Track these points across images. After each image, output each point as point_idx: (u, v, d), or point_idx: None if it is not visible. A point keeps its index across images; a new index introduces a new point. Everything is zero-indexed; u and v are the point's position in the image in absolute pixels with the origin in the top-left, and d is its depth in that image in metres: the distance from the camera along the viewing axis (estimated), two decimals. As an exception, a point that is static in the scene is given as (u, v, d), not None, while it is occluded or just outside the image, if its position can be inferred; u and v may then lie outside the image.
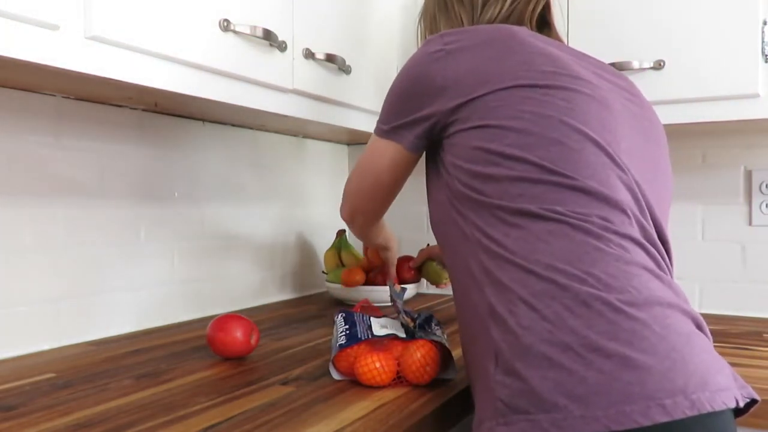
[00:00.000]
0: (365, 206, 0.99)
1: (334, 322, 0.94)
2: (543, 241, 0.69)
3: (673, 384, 0.61)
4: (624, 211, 0.72)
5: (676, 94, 1.20)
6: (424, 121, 0.82)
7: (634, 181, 0.75)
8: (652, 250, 0.73)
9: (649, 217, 0.76)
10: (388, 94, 0.87)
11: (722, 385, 0.64)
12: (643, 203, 0.76)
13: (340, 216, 1.09)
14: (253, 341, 0.97)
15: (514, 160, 0.72)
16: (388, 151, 0.88)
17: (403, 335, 0.87)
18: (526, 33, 0.81)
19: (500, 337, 0.68)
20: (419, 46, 1.02)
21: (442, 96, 0.79)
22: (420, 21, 1.05)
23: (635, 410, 0.59)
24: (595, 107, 0.76)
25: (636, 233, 0.72)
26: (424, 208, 1.77)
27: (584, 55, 0.86)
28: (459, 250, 0.78)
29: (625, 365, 0.61)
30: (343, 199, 1.03)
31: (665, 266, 0.75)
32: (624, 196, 0.73)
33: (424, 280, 1.73)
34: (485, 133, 0.75)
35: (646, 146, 0.81)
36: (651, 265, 0.71)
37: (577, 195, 0.71)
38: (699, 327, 0.70)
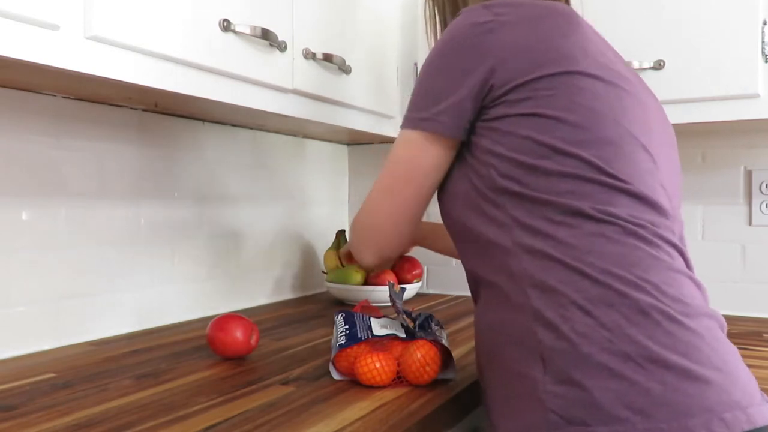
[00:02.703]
0: (401, 230, 0.81)
1: (334, 322, 0.94)
2: (595, 242, 0.66)
3: (730, 397, 0.60)
4: (667, 218, 0.71)
5: (676, 94, 1.20)
6: (471, 101, 0.73)
7: (666, 185, 0.74)
8: (687, 255, 0.72)
9: (677, 222, 0.75)
10: (426, 74, 0.76)
11: (762, 398, 0.64)
12: (675, 207, 0.75)
13: (362, 260, 0.86)
14: (253, 341, 0.97)
15: (566, 155, 0.69)
16: (431, 145, 0.76)
17: (403, 335, 0.87)
18: (577, 14, 0.75)
19: (551, 343, 0.64)
20: (429, 27, 0.94)
21: (490, 74, 0.72)
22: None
23: (697, 424, 0.58)
24: (640, 109, 0.74)
25: (676, 240, 0.71)
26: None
27: (611, 46, 0.82)
28: (488, 247, 0.73)
29: (686, 377, 0.60)
30: (363, 239, 0.84)
31: (694, 271, 0.74)
32: (665, 202, 0.72)
33: (424, 281, 1.73)
34: (537, 123, 0.70)
35: (670, 148, 0.80)
36: (689, 272, 0.70)
37: (629, 199, 0.69)
38: (727, 334, 0.70)
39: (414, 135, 0.76)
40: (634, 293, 0.64)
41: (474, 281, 0.79)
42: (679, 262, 0.70)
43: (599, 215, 0.67)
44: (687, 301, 0.65)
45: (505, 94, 0.71)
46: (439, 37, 0.92)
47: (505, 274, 0.71)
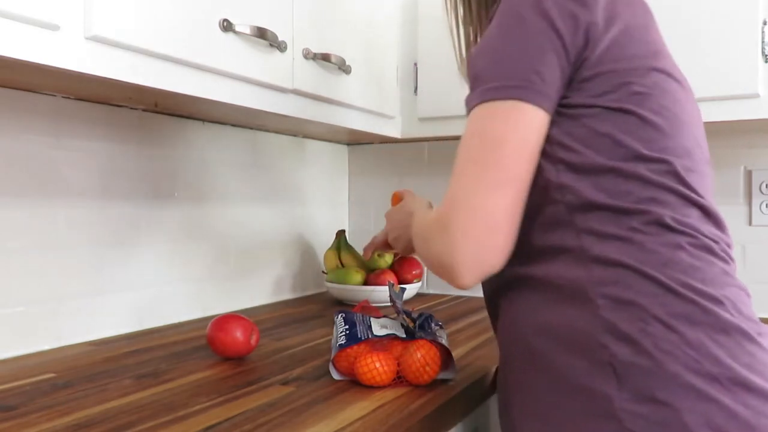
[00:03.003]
0: (514, 230, 0.65)
1: (334, 322, 0.94)
2: (674, 254, 0.63)
3: None
4: (726, 233, 0.68)
5: (676, 94, 1.20)
6: (560, 72, 0.64)
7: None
8: None
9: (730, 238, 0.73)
10: (506, 37, 0.66)
11: None
12: None
13: (456, 278, 0.65)
14: (253, 341, 0.97)
15: (650, 161, 0.64)
16: (532, 116, 0.64)
17: (403, 335, 0.87)
18: None
19: (629, 358, 0.60)
20: (450, 12, 0.88)
21: (580, 51, 0.64)
22: None
23: None
24: (698, 118, 0.72)
25: (733, 256, 0.69)
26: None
27: None
28: (544, 249, 0.67)
29: (767, 400, 0.59)
30: (459, 251, 0.64)
31: None
32: (723, 217, 0.70)
33: (424, 281, 1.73)
34: (622, 121, 0.64)
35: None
36: (747, 289, 0.68)
37: (700, 212, 0.66)
38: None
39: (517, 106, 0.64)
40: (716, 310, 0.61)
41: (512, 279, 0.72)
42: (739, 279, 0.68)
43: (677, 226, 0.64)
44: (755, 319, 0.64)
45: (594, 77, 0.65)
46: (461, 23, 0.87)
47: (566, 279, 0.65)
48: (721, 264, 0.65)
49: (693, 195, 0.65)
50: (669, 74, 0.68)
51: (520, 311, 0.71)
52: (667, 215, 0.63)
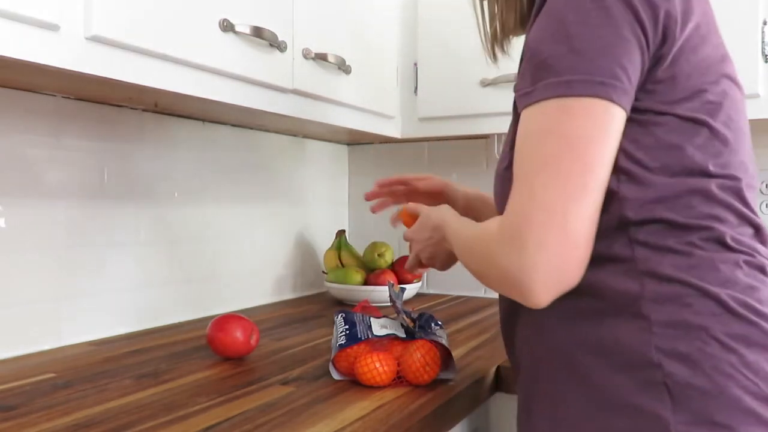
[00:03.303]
0: (591, 241, 0.58)
1: (334, 322, 0.94)
2: (732, 273, 0.60)
3: None
4: None
5: (676, 94, 1.20)
6: (640, 69, 0.59)
7: None
8: None
9: None
10: (585, 24, 0.58)
11: None
12: None
13: (530, 296, 0.58)
14: (253, 341, 0.97)
15: (716, 177, 0.61)
16: (617, 118, 0.58)
17: (403, 335, 0.87)
18: None
19: (687, 379, 0.57)
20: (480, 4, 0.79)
21: (657, 48, 0.59)
22: None
23: None
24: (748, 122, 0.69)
25: None
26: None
27: None
28: (596, 261, 0.61)
29: None
30: (534, 266, 0.57)
31: None
32: None
33: (424, 281, 1.73)
34: (694, 132, 0.60)
35: None
36: None
37: (754, 231, 0.64)
38: None
39: (601, 105, 0.57)
40: None
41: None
42: None
43: (735, 245, 0.61)
44: None
45: (668, 80, 0.60)
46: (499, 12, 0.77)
47: (614, 291, 0.61)
48: None
49: (749, 213, 0.63)
50: (735, 81, 0.64)
51: (555, 319, 0.65)
52: (728, 233, 0.61)
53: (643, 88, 0.60)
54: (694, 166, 0.60)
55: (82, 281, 1.11)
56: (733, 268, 0.60)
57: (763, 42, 1.14)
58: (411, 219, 0.95)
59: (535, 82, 0.60)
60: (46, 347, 1.06)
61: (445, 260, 0.89)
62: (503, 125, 1.40)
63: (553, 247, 0.56)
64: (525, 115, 0.61)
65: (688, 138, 0.60)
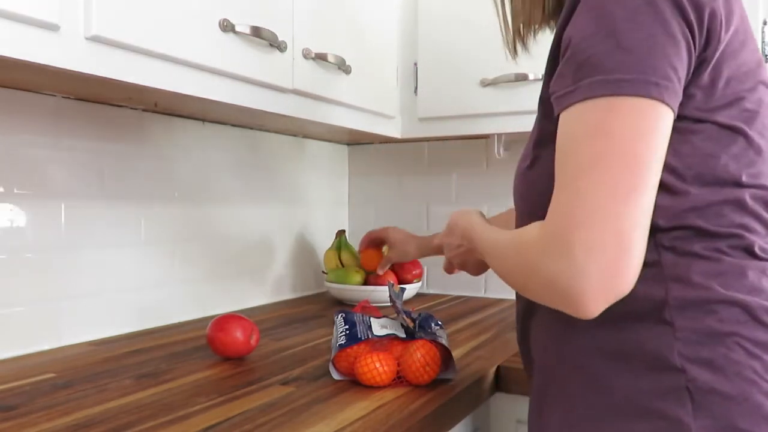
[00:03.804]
0: (643, 245, 0.55)
1: (334, 322, 0.94)
2: (758, 282, 0.60)
3: None
4: None
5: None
6: (687, 71, 0.57)
7: None
8: None
9: None
10: (633, 21, 0.55)
11: None
12: None
13: (581, 307, 0.55)
14: (253, 341, 0.97)
15: (748, 187, 0.60)
16: (668, 120, 0.55)
17: (403, 335, 0.87)
18: None
19: (711, 385, 0.56)
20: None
21: (702, 50, 0.57)
22: None
23: None
24: None
25: None
26: (423, 208, 1.77)
27: None
28: None
29: None
30: (586, 273, 0.53)
31: None
32: None
33: (424, 281, 1.73)
34: (731, 141, 0.59)
35: None
36: None
37: None
38: None
39: (653, 106, 0.54)
40: None
41: None
42: None
43: (762, 254, 0.61)
44: None
45: (709, 86, 0.58)
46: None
47: (637, 295, 0.58)
48: None
49: None
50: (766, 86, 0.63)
51: (573, 322, 0.62)
52: (756, 242, 0.60)
53: (684, 93, 0.57)
54: (728, 176, 0.59)
55: (82, 281, 1.11)
56: (759, 275, 0.60)
57: (763, 42, 1.14)
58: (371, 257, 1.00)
59: (578, 81, 0.56)
60: (46, 347, 1.06)
61: (477, 266, 0.88)
62: (503, 125, 1.42)
63: (605, 251, 0.53)
64: (567, 115, 0.58)
65: (724, 147, 0.59)
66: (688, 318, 0.58)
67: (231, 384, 0.85)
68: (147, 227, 1.24)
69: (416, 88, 1.49)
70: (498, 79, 1.34)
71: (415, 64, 1.49)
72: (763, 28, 1.14)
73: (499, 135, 1.59)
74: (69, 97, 1.09)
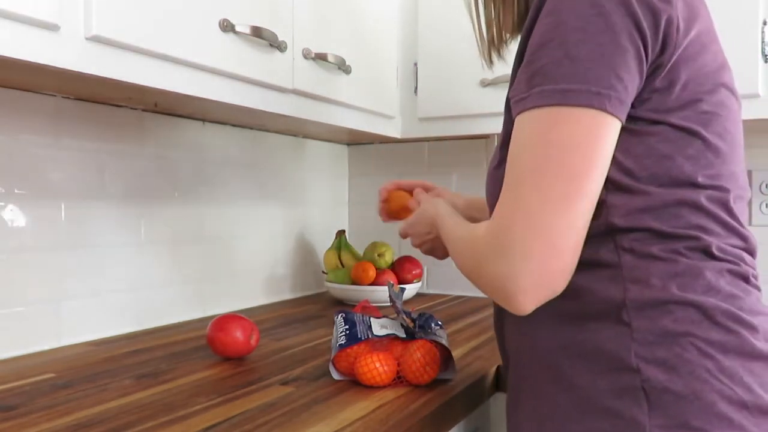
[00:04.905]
0: (580, 247, 0.58)
1: (334, 322, 0.94)
2: (715, 282, 0.61)
3: None
4: (755, 260, 0.66)
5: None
6: (638, 79, 0.58)
7: None
8: None
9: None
10: (583, 31, 0.56)
11: None
12: None
13: (517, 303, 0.59)
14: (253, 341, 0.97)
15: (705, 188, 0.61)
16: (611, 128, 0.57)
17: (403, 335, 0.87)
18: None
19: (664, 384, 0.58)
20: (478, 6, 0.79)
21: (656, 56, 0.58)
22: None
23: None
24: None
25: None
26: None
27: None
28: (582, 266, 0.60)
29: None
30: (519, 273, 0.57)
31: None
32: (756, 244, 0.67)
33: (424, 281, 1.73)
34: (686, 143, 0.60)
35: None
36: None
37: (741, 241, 0.64)
38: None
39: (595, 115, 0.56)
40: (750, 339, 0.60)
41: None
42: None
43: (720, 254, 0.61)
44: None
45: (665, 89, 0.59)
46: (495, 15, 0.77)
47: (597, 296, 0.62)
48: (755, 292, 0.64)
49: (736, 225, 0.64)
50: (732, 91, 0.64)
51: (538, 320, 0.66)
52: (714, 243, 0.61)
53: (639, 97, 0.59)
54: (683, 177, 0.61)
55: (82, 281, 1.11)
56: (716, 276, 0.61)
57: (763, 42, 1.14)
58: (398, 204, 0.98)
59: (531, 88, 0.59)
60: (46, 347, 1.06)
61: (445, 252, 0.91)
62: (503, 125, 1.41)
63: (536, 256, 0.56)
64: (518, 121, 0.61)
65: (680, 148, 0.60)
66: (645, 319, 0.60)
67: (231, 384, 0.85)
68: (147, 227, 1.24)
69: (416, 88, 1.49)
70: (498, 80, 1.34)
71: (415, 64, 1.49)
72: (763, 28, 1.14)
73: (499, 135, 1.59)
74: (69, 97, 1.09)
